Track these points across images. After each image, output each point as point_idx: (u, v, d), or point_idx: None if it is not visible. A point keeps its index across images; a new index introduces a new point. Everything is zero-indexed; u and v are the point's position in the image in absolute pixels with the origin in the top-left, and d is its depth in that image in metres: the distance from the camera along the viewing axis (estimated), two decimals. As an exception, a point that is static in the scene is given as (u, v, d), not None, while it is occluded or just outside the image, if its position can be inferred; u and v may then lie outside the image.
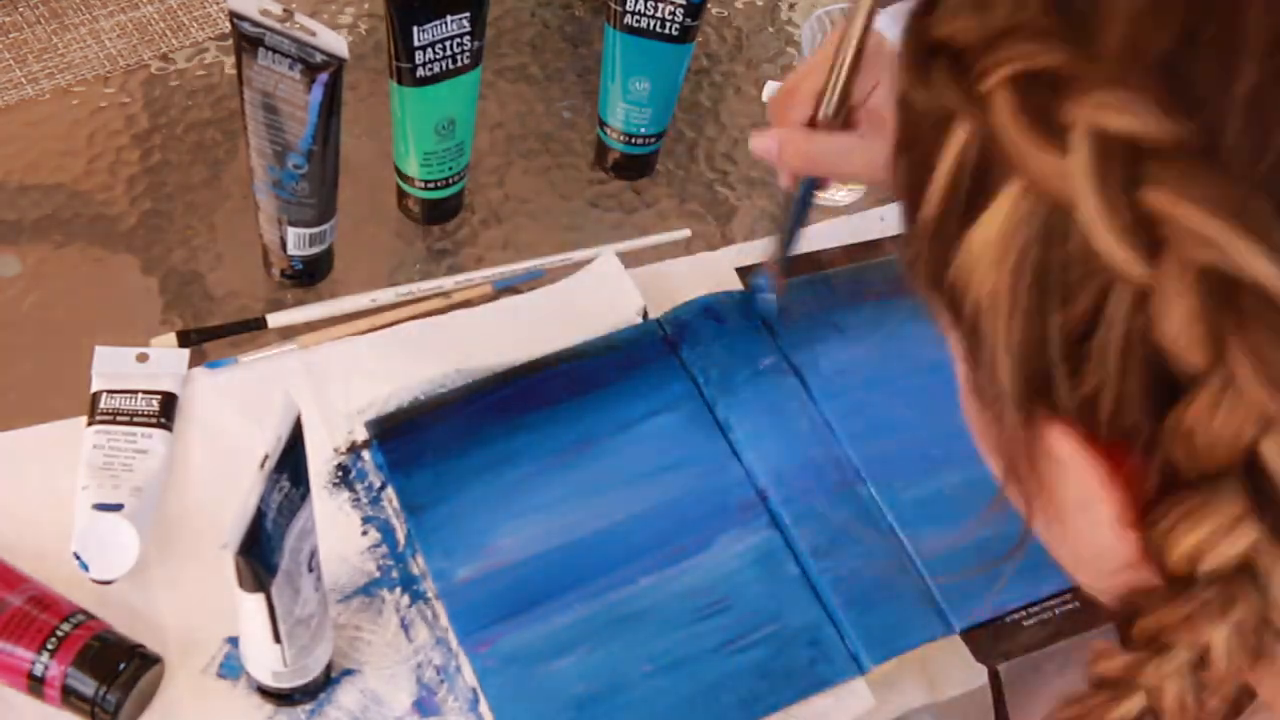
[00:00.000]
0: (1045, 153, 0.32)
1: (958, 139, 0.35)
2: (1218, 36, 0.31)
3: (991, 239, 0.34)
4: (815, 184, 0.74)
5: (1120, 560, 0.37)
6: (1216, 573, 0.34)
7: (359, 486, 0.72)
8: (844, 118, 0.69)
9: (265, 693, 0.65)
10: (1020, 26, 0.33)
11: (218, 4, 0.94)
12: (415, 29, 0.74)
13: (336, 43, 0.69)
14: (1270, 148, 0.31)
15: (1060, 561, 0.43)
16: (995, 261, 0.34)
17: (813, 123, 0.70)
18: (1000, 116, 0.33)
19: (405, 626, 0.68)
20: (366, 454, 0.74)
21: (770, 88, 0.95)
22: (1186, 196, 0.30)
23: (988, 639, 0.70)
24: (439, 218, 0.86)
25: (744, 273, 0.85)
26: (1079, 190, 0.31)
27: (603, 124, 0.88)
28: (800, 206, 0.74)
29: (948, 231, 0.36)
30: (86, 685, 0.61)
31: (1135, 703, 0.37)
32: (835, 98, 0.68)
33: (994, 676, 0.69)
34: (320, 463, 0.73)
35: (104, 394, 0.72)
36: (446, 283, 0.82)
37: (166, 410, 0.72)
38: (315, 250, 0.79)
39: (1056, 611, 0.72)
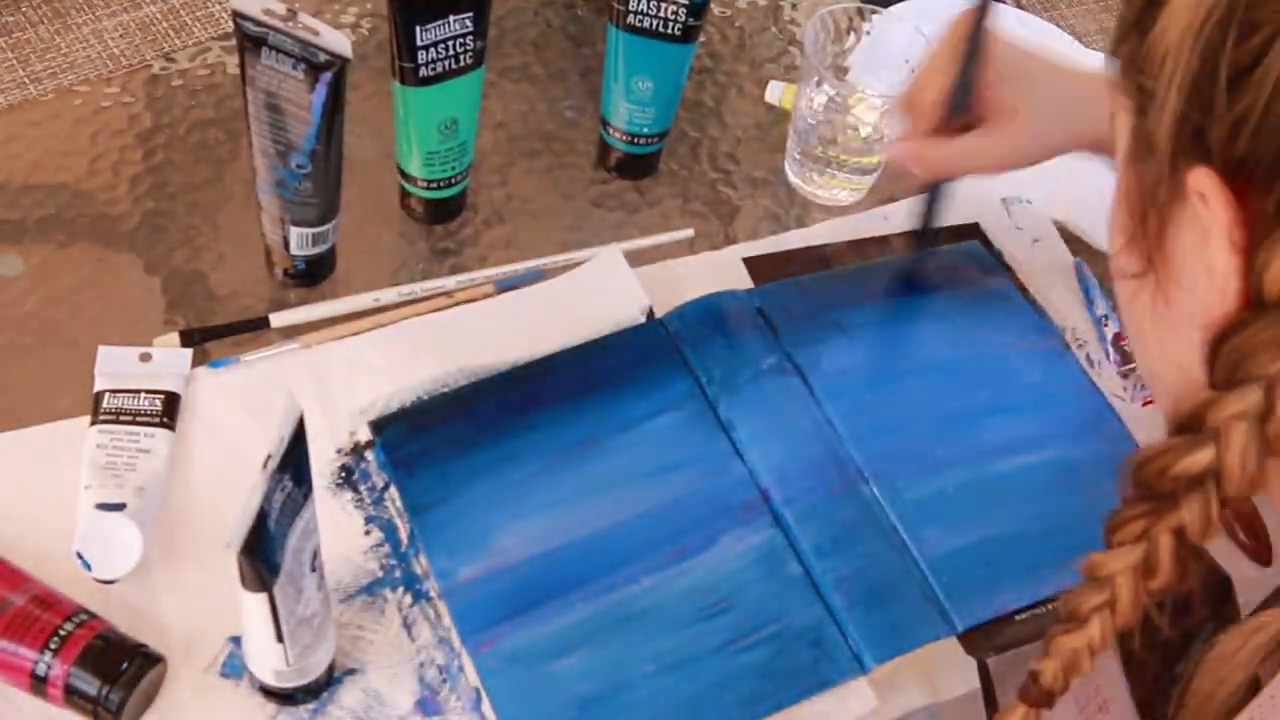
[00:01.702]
0: None
1: None
2: None
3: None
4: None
5: (1197, 356, 0.42)
6: None
7: (362, 486, 0.72)
8: (968, 115, 0.74)
9: (268, 692, 0.65)
10: None
11: (220, 3, 0.94)
12: (418, 28, 0.74)
13: (339, 42, 0.69)
14: None
15: (1143, 355, 0.49)
16: (1192, 6, 0.39)
17: (939, 128, 0.74)
18: None
19: (408, 626, 0.68)
20: (369, 454, 0.74)
21: (773, 87, 0.95)
22: None
23: (979, 633, 0.70)
24: (442, 217, 0.86)
25: (751, 265, 0.85)
26: None
27: (605, 124, 0.88)
28: (934, 199, 0.79)
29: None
30: (89, 684, 0.61)
31: (1204, 455, 0.41)
32: (953, 99, 0.73)
33: (983, 669, 0.69)
34: (323, 463, 0.73)
35: (107, 394, 0.72)
36: (449, 282, 0.82)
37: (169, 410, 0.72)
38: (318, 250, 0.79)
39: (1048, 607, 0.72)
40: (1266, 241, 0.40)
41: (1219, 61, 0.39)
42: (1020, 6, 1.08)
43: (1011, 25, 1.02)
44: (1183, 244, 0.44)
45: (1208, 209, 0.41)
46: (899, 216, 0.89)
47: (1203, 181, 0.41)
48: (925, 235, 0.82)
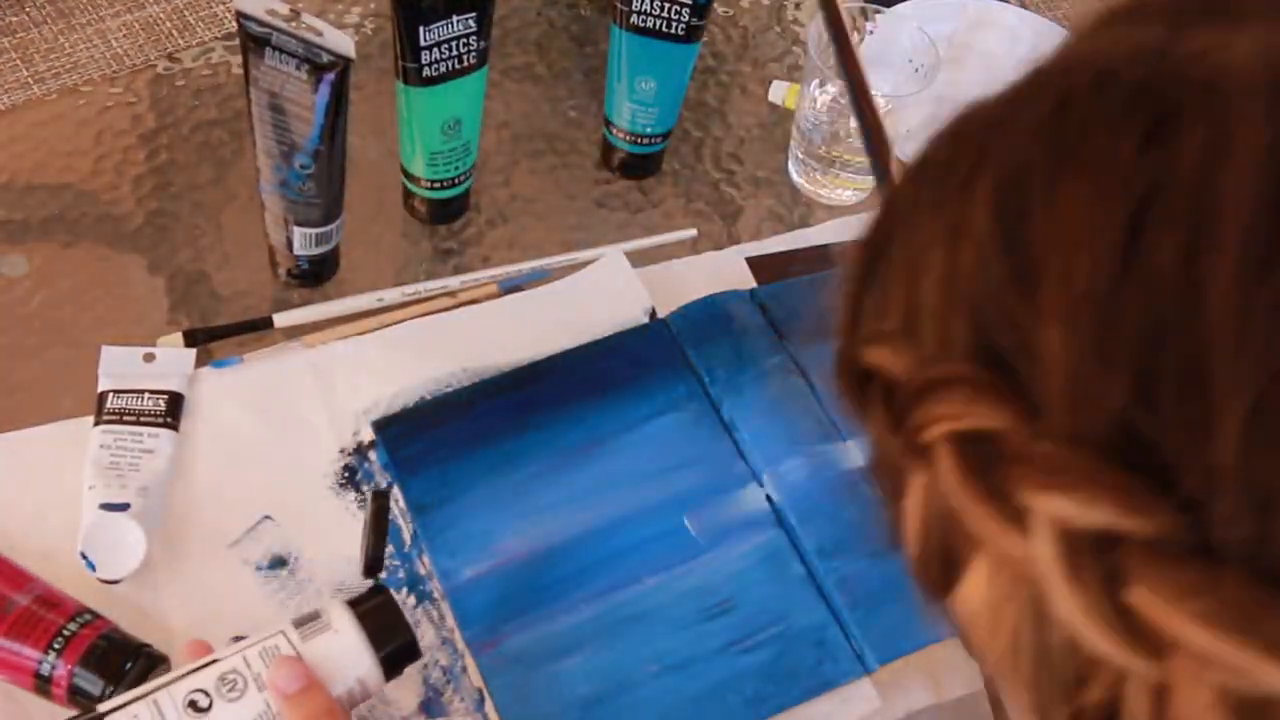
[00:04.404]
0: (1006, 533, 0.28)
1: (917, 486, 0.31)
2: (1182, 389, 0.26)
3: (978, 611, 0.30)
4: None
5: None
6: None
7: (365, 487, 0.72)
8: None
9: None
10: (950, 379, 0.29)
11: (224, 4, 0.94)
12: (421, 28, 0.74)
13: (343, 42, 0.69)
14: (1273, 532, 0.25)
15: None
16: (989, 634, 0.31)
17: None
18: (948, 479, 0.29)
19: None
20: (373, 454, 0.74)
21: (777, 87, 0.95)
22: (1180, 606, 0.25)
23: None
24: (445, 217, 0.86)
25: (754, 265, 0.85)
26: (1053, 586, 0.27)
27: (609, 124, 0.88)
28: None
29: (934, 578, 0.32)
30: (93, 684, 0.61)
31: None
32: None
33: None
34: (326, 463, 0.73)
35: (111, 394, 0.72)
36: (452, 282, 0.82)
37: (173, 410, 0.72)
38: (321, 250, 0.79)
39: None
40: None
41: (1062, 707, 0.29)
42: (1023, 6, 1.08)
43: (1013, 25, 1.02)
44: None
45: None
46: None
47: None
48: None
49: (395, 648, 0.58)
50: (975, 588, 0.30)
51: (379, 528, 0.62)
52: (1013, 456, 0.27)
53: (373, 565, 0.62)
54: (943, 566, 0.31)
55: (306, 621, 0.57)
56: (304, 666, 0.55)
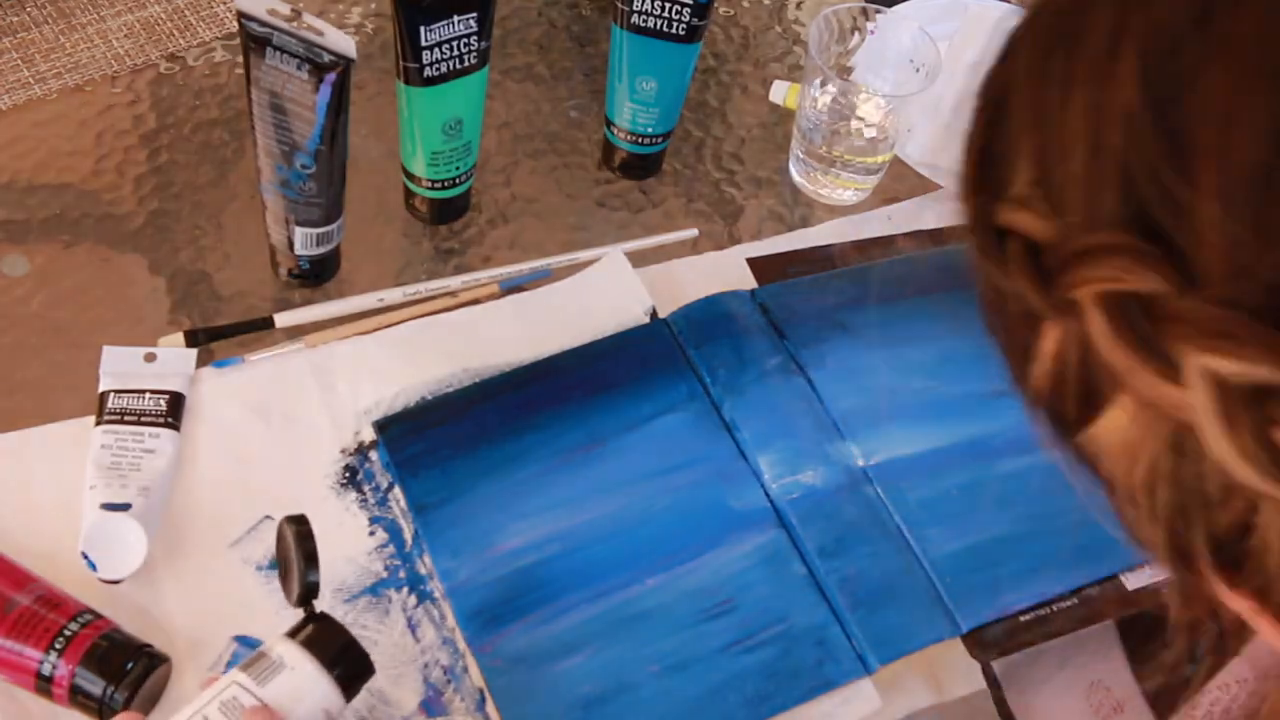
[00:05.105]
0: (1158, 380, 0.31)
1: (1052, 337, 0.34)
2: None
3: (1116, 444, 0.33)
4: None
5: None
6: None
7: (366, 487, 0.73)
8: None
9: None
10: (1107, 246, 0.31)
11: (225, 4, 0.94)
12: (422, 29, 0.74)
13: (344, 42, 0.69)
14: None
15: None
16: (1125, 466, 0.33)
17: None
18: (1096, 332, 0.31)
19: (412, 626, 0.68)
20: (374, 454, 0.74)
21: (778, 87, 0.95)
22: None
23: (983, 635, 0.70)
24: (446, 217, 0.86)
25: (755, 265, 0.85)
26: (1207, 429, 0.30)
27: (610, 124, 0.88)
28: None
29: (1066, 414, 0.35)
30: (94, 684, 0.61)
31: None
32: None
33: (988, 672, 0.69)
34: (327, 463, 0.73)
35: (112, 394, 0.72)
36: (453, 282, 0.82)
37: (174, 410, 0.72)
38: (322, 250, 0.79)
39: (1054, 608, 0.72)
40: None
41: (1193, 529, 0.33)
42: (1024, 5, 1.08)
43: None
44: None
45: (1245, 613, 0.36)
46: (903, 216, 0.89)
47: (1232, 603, 0.35)
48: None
49: (350, 665, 0.58)
50: (1115, 423, 0.33)
51: (306, 551, 0.60)
52: (1170, 317, 0.30)
53: (308, 593, 0.60)
54: (1080, 404, 0.34)
55: (256, 665, 0.57)
56: (274, 713, 0.55)
